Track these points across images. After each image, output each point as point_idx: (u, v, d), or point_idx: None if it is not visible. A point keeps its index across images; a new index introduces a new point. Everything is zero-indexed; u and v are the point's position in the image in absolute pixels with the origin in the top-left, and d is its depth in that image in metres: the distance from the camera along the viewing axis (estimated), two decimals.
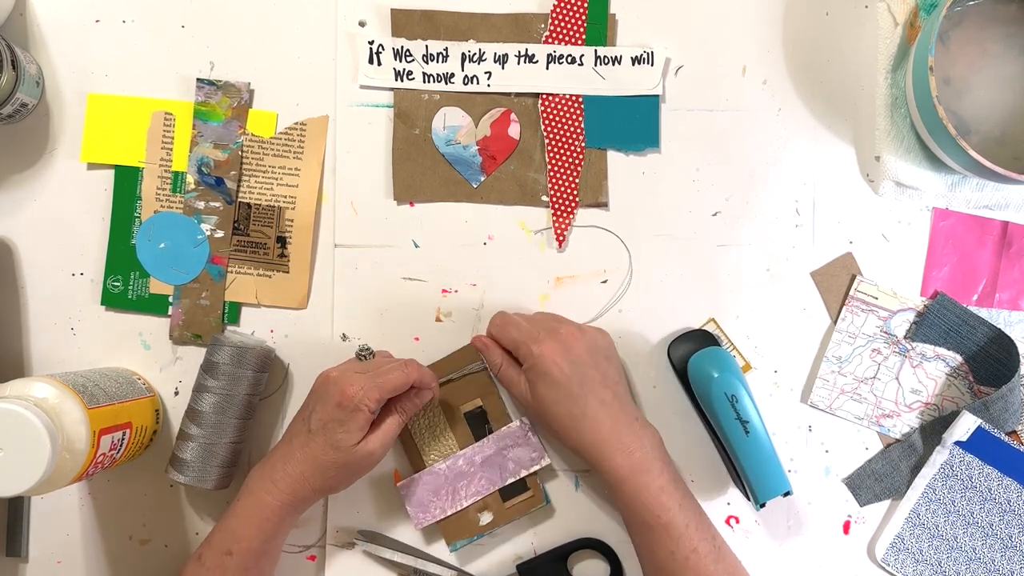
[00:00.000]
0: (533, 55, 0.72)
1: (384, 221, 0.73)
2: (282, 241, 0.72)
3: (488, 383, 0.71)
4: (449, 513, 0.70)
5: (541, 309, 0.73)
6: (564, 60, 0.72)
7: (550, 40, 0.72)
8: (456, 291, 0.73)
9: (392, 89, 0.72)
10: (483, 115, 0.73)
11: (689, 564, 0.62)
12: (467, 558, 0.72)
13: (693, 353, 0.70)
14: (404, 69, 0.72)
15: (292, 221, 0.72)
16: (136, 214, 0.72)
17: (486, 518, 0.71)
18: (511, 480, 0.70)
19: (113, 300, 0.72)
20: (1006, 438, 0.70)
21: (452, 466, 0.70)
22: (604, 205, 0.73)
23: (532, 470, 0.71)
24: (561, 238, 0.73)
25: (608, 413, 0.65)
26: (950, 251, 0.72)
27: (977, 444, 0.70)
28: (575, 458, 0.72)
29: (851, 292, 0.72)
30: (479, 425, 0.71)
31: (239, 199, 0.72)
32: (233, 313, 0.73)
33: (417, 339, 0.73)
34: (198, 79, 0.72)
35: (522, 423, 0.71)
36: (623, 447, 0.64)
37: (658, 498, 0.63)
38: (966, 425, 0.70)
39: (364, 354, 0.68)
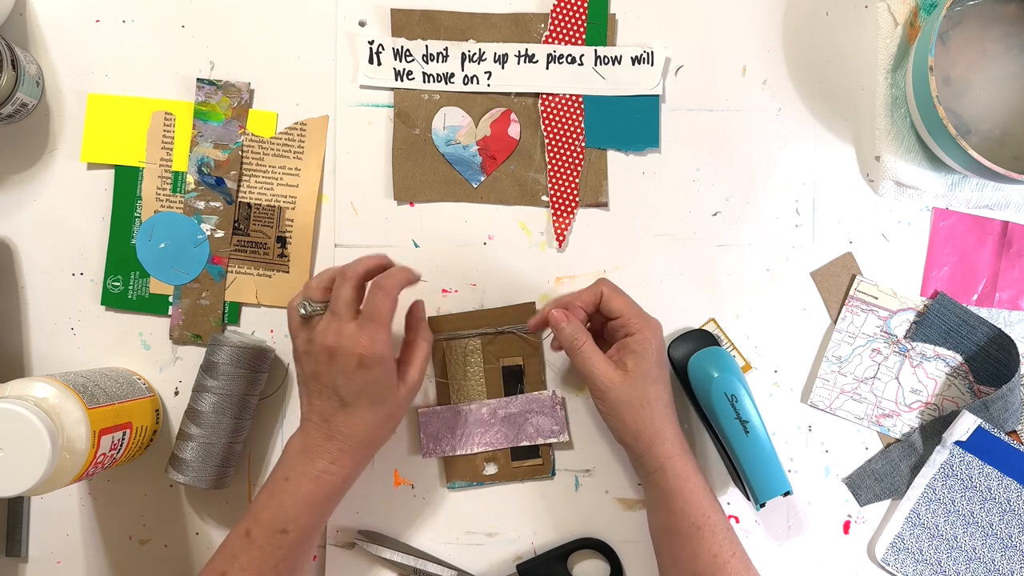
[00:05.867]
0: (533, 55, 0.72)
1: (384, 221, 0.73)
2: (282, 241, 0.72)
3: (533, 346, 0.72)
4: (458, 453, 0.71)
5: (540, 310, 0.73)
6: (564, 60, 0.72)
7: (550, 40, 0.72)
8: (456, 291, 0.73)
9: (392, 89, 0.72)
10: (483, 115, 0.72)
11: (729, 568, 0.62)
12: (467, 558, 0.72)
13: (693, 353, 0.70)
14: (404, 69, 0.72)
15: (292, 221, 0.72)
16: (136, 214, 0.72)
17: (491, 469, 0.72)
18: (526, 443, 0.71)
19: (113, 300, 0.72)
20: (1006, 438, 0.70)
21: (475, 411, 0.71)
22: (604, 205, 0.73)
23: (549, 441, 0.71)
24: (561, 238, 0.72)
25: (672, 414, 0.66)
26: (950, 251, 0.72)
27: (977, 444, 0.70)
28: (576, 458, 0.72)
29: (851, 292, 0.72)
30: (512, 382, 0.72)
31: (239, 199, 0.72)
32: (233, 313, 0.73)
33: None
34: (198, 79, 0.72)
35: (553, 395, 0.71)
36: (684, 448, 0.65)
37: (708, 498, 0.64)
38: (966, 425, 0.70)
39: (314, 309, 0.63)
